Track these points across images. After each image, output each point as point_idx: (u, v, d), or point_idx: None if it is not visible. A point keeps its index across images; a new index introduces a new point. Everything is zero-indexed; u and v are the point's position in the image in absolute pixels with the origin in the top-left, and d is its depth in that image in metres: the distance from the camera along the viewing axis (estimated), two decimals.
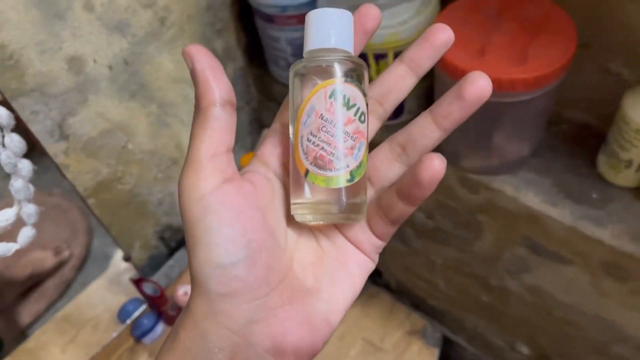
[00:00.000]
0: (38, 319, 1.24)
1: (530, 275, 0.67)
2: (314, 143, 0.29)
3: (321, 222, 0.30)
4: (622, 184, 0.56)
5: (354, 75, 0.29)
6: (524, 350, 0.82)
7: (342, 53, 0.29)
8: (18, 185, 0.41)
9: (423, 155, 0.26)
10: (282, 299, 0.28)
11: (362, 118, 0.29)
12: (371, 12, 0.29)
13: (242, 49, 0.75)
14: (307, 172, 0.29)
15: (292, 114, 0.30)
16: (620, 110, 0.51)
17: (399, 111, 0.65)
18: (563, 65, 0.47)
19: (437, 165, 0.26)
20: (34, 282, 1.46)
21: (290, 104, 0.30)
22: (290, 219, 0.30)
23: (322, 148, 0.28)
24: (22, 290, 1.42)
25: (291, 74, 0.30)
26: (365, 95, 0.29)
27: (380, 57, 0.58)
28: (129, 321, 0.71)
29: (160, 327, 0.74)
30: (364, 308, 0.98)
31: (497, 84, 0.48)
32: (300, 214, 0.29)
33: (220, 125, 0.27)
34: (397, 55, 0.58)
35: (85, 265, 1.53)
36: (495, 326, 0.84)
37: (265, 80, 0.77)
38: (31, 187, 0.42)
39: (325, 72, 0.29)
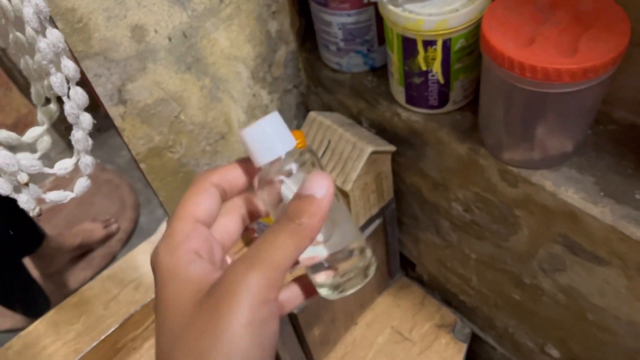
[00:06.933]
0: (84, 285, 1.31)
1: (565, 275, 0.67)
2: None
3: None
4: None
5: (304, 167, 0.32)
6: (554, 353, 0.81)
7: (287, 155, 0.32)
8: (79, 135, 0.44)
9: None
10: None
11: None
12: None
13: (295, 32, 0.77)
14: None
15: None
16: None
17: (444, 101, 0.66)
18: (612, 58, 0.47)
19: None
20: (82, 251, 1.54)
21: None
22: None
23: None
24: (71, 257, 1.50)
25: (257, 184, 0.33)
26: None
27: (429, 43, 0.58)
28: None
29: None
30: (395, 298, 0.99)
31: (543, 74, 0.48)
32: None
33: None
34: (445, 43, 0.58)
35: (131, 239, 1.60)
36: (526, 326, 0.83)
37: (315, 65, 0.79)
38: (90, 140, 0.46)
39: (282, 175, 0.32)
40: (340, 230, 0.34)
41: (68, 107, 0.42)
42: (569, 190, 0.58)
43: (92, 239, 1.57)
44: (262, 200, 0.33)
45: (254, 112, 0.78)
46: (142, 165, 0.67)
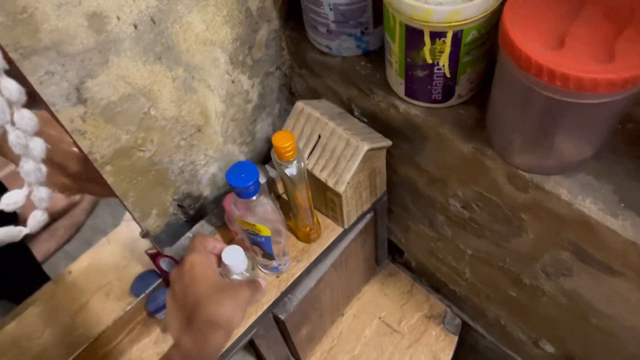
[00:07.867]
0: (48, 258, 1.22)
1: (570, 280, 0.63)
2: None
3: None
4: None
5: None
6: (548, 348, 0.79)
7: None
8: (28, 167, 0.36)
9: None
10: None
11: None
12: None
13: (277, 8, 0.68)
14: None
15: None
16: None
17: (448, 96, 0.59)
18: None
19: None
20: None
21: None
22: None
23: None
24: None
25: None
26: None
27: (437, 35, 0.51)
28: (143, 295, 0.67)
29: None
30: (382, 287, 0.94)
31: (577, 83, 0.42)
32: None
33: None
34: (456, 35, 0.51)
35: (96, 209, 1.51)
36: (520, 321, 0.80)
37: (300, 45, 0.71)
38: (43, 169, 0.38)
39: None
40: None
41: (13, 137, 0.34)
42: (586, 200, 0.53)
43: (53, 208, 1.47)
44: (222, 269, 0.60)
45: (233, 100, 0.70)
46: (107, 168, 0.59)
